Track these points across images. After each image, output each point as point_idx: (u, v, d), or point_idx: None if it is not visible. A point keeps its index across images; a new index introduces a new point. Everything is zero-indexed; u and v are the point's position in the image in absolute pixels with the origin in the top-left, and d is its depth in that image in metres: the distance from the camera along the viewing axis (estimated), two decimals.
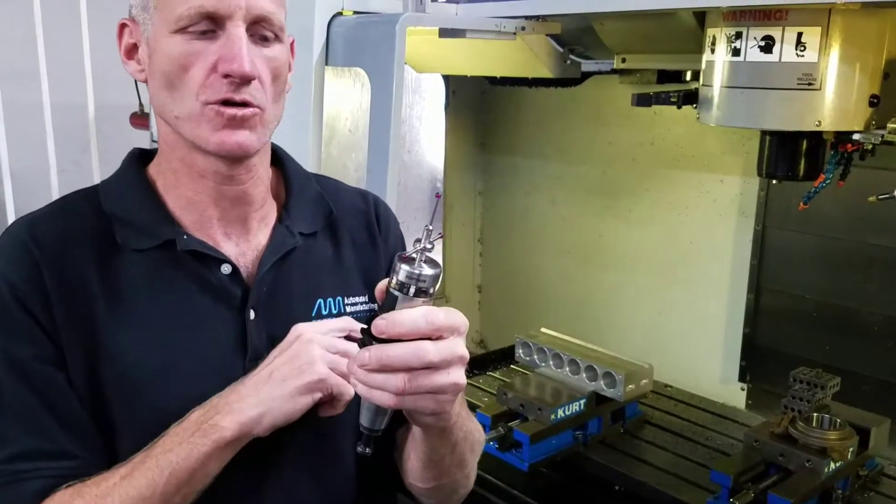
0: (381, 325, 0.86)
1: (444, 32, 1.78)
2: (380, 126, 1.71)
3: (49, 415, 0.95)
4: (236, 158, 1.00)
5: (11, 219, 2.65)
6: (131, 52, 1.02)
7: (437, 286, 0.89)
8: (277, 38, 0.99)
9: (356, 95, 1.84)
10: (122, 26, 1.02)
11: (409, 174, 2.41)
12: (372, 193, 1.26)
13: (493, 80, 2.44)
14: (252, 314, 1.04)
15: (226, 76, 0.94)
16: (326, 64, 1.81)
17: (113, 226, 1.02)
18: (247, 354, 1.03)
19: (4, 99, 2.60)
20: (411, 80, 2.25)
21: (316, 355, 0.96)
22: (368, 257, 1.18)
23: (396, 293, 0.87)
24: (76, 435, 0.97)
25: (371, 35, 1.72)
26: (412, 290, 0.86)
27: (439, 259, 1.98)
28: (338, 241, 1.15)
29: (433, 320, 0.87)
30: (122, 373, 0.98)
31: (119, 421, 0.98)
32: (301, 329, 1.00)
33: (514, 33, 1.88)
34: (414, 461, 1.11)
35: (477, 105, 2.64)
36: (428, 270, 0.87)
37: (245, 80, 0.95)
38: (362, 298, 1.15)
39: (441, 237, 0.90)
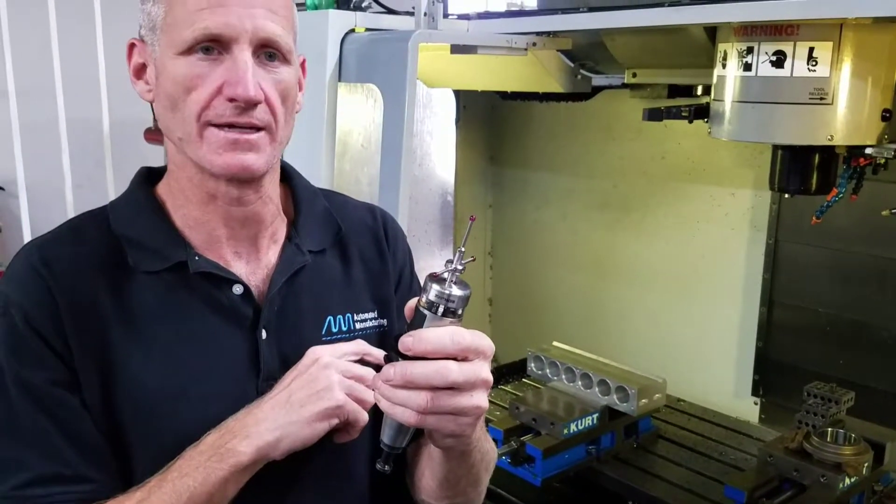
0: (407, 341, 0.87)
1: (456, 49, 1.79)
2: (392, 141, 1.72)
3: (63, 439, 0.95)
4: (243, 181, 1.00)
5: (26, 232, 2.67)
6: (140, 71, 1.01)
7: (466, 307, 0.89)
8: (285, 60, 0.98)
9: (369, 111, 1.86)
10: (132, 46, 1.02)
11: (420, 188, 2.42)
12: (379, 208, 1.26)
13: (503, 95, 2.45)
14: (264, 334, 1.03)
15: (231, 100, 0.93)
16: (339, 80, 1.82)
17: (123, 248, 1.01)
18: (260, 374, 1.02)
19: (21, 114, 2.62)
20: (422, 95, 2.26)
21: (334, 381, 0.95)
22: (377, 273, 1.17)
23: (425, 312, 0.88)
24: (91, 458, 0.96)
25: (383, 52, 1.73)
26: (441, 309, 0.87)
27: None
28: (347, 257, 1.14)
29: (459, 341, 0.87)
30: (136, 396, 0.97)
31: (134, 443, 0.98)
32: (318, 353, 0.99)
33: (525, 49, 1.89)
34: (429, 479, 1.11)
35: (487, 119, 2.66)
36: (458, 291, 0.88)
37: (250, 105, 0.94)
38: (372, 314, 1.15)
39: (473, 259, 0.91)
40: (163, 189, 1.07)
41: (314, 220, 1.13)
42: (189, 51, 0.93)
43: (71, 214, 2.62)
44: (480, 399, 0.90)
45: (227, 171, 0.96)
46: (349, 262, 1.15)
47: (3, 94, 2.60)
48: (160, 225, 1.03)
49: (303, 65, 1.07)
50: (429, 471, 1.10)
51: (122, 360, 0.97)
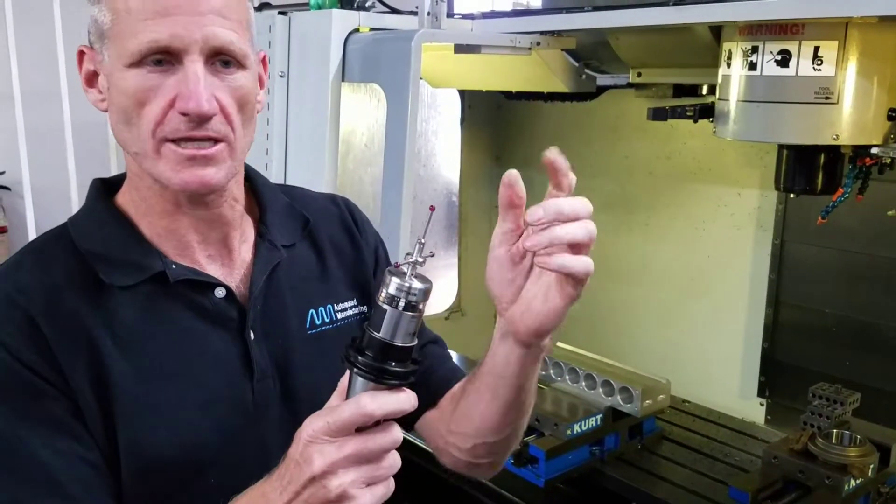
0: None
1: (460, 48, 1.79)
2: (395, 140, 1.72)
3: (64, 472, 0.91)
4: (202, 194, 0.96)
5: (31, 232, 2.68)
6: (91, 79, 0.97)
7: (427, 302, 0.85)
8: (241, 66, 0.94)
9: (372, 111, 1.85)
10: (81, 53, 0.97)
11: (426, 187, 2.42)
12: (340, 196, 1.25)
13: (508, 95, 2.45)
14: (252, 335, 1.02)
15: (184, 114, 0.89)
16: (343, 80, 1.82)
17: (94, 265, 0.96)
18: (254, 375, 1.02)
19: (26, 117, 2.64)
20: (427, 95, 2.27)
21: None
22: (351, 260, 1.16)
23: (385, 307, 0.83)
24: (93, 488, 0.93)
25: (387, 51, 1.73)
26: (402, 303, 0.83)
27: (454, 273, 1.98)
28: (319, 248, 1.13)
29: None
30: (134, 413, 0.94)
31: (136, 459, 0.95)
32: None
33: (529, 48, 1.89)
34: (488, 413, 1.04)
35: (492, 119, 2.65)
36: (418, 284, 0.83)
37: (203, 119, 0.90)
38: (351, 303, 1.14)
39: (432, 255, 0.87)
40: (124, 199, 1.02)
41: (280, 215, 1.11)
42: (139, 63, 0.89)
43: None
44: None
45: (185, 188, 0.93)
46: (322, 252, 1.14)
47: (10, 97, 2.62)
48: (128, 237, 0.99)
49: (263, 61, 1.03)
50: (487, 405, 1.03)
51: (116, 379, 0.94)
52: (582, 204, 0.89)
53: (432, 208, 0.89)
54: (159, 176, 0.93)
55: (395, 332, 0.83)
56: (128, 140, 0.94)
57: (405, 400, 0.83)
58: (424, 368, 1.13)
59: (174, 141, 0.91)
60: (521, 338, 0.95)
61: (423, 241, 0.84)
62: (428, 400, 1.14)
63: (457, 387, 1.14)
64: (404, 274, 0.83)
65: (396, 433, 0.84)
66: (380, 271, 1.18)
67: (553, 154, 0.90)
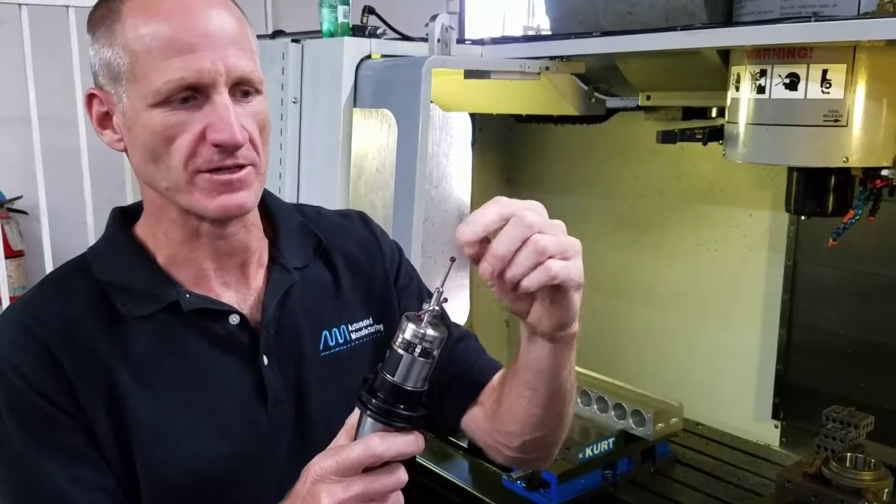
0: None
1: (470, 74, 1.81)
2: (405, 165, 1.74)
3: (82, 502, 0.93)
4: (236, 217, 0.98)
5: (48, 256, 2.71)
6: (104, 121, 0.98)
7: (441, 350, 0.87)
8: (258, 92, 0.97)
9: (383, 136, 1.87)
10: (91, 96, 0.98)
11: (437, 209, 2.43)
12: (354, 210, 1.26)
13: (518, 118, 2.46)
14: (265, 360, 1.03)
15: (216, 145, 0.91)
16: (355, 106, 1.84)
17: (111, 295, 0.99)
18: (268, 400, 1.03)
19: (44, 142, 2.67)
20: (438, 119, 2.28)
21: None
22: (367, 275, 1.16)
23: (401, 352, 0.85)
24: None
25: (398, 78, 1.75)
26: (417, 349, 0.85)
27: (466, 294, 1.96)
28: (333, 267, 1.14)
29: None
30: (150, 440, 0.96)
31: (154, 488, 0.97)
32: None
33: (539, 73, 1.90)
34: (532, 409, 1.04)
35: (503, 141, 2.67)
36: (433, 332, 0.85)
37: (237, 148, 0.92)
38: (367, 322, 1.14)
39: (446, 301, 0.89)
40: (142, 230, 1.04)
41: (293, 236, 1.12)
42: (164, 101, 0.91)
43: (92, 239, 2.67)
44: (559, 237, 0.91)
45: (223, 213, 0.95)
46: (336, 272, 1.14)
47: (27, 121, 2.65)
48: (145, 267, 1.01)
49: None
50: (529, 401, 1.04)
51: (132, 408, 0.96)
52: (515, 230, 0.87)
53: (453, 259, 0.89)
54: (194, 206, 0.95)
55: (407, 376, 0.85)
56: (156, 176, 0.95)
57: (413, 442, 0.86)
58: (456, 369, 1.16)
59: (206, 172, 0.93)
60: (546, 335, 0.96)
61: (441, 289, 0.86)
62: (467, 397, 1.16)
63: (495, 381, 1.15)
64: (420, 321, 0.85)
65: (402, 474, 0.87)
66: (401, 281, 1.19)
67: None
